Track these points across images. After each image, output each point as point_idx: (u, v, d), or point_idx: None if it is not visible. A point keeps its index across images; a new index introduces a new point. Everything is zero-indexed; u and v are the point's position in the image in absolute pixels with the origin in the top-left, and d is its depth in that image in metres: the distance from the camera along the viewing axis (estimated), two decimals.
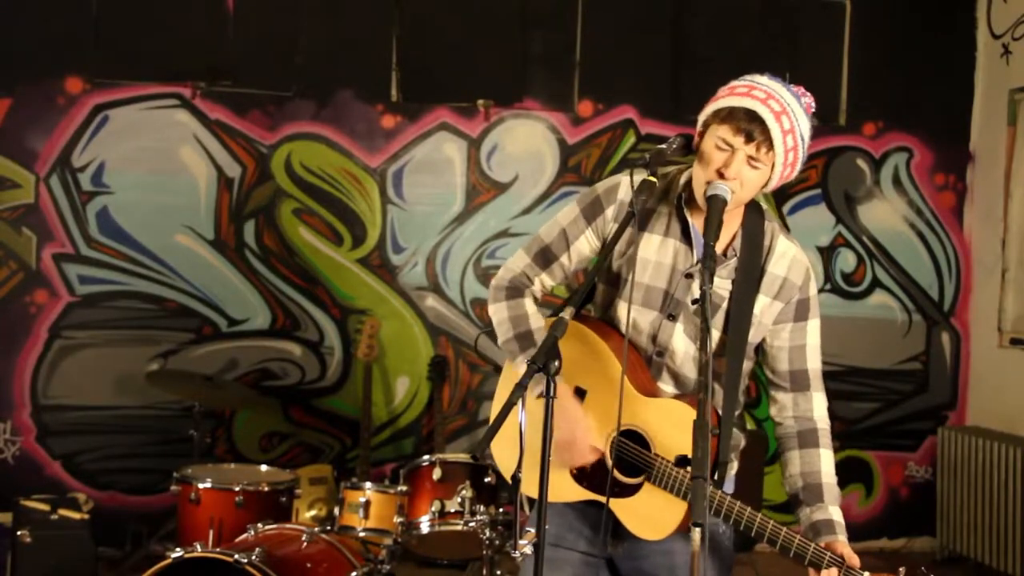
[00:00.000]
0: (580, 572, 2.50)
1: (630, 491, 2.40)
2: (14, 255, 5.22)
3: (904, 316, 6.00)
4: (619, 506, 2.41)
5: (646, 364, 2.47)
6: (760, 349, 2.51)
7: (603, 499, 2.39)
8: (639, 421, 2.40)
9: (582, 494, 2.45)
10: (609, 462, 2.41)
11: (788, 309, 2.45)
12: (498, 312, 2.54)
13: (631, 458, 2.40)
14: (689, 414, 2.29)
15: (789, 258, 2.44)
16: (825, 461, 2.45)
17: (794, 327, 2.46)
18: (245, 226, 5.40)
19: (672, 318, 2.42)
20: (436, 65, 5.55)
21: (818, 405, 2.49)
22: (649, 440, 2.39)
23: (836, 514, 2.39)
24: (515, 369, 2.50)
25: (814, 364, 2.49)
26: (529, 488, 2.32)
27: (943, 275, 6.03)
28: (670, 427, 2.36)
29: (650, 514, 2.38)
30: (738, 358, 2.40)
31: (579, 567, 2.50)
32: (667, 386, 2.47)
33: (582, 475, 2.45)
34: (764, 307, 2.43)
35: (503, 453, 2.61)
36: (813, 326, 2.49)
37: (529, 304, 2.54)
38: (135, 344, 5.31)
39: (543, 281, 2.56)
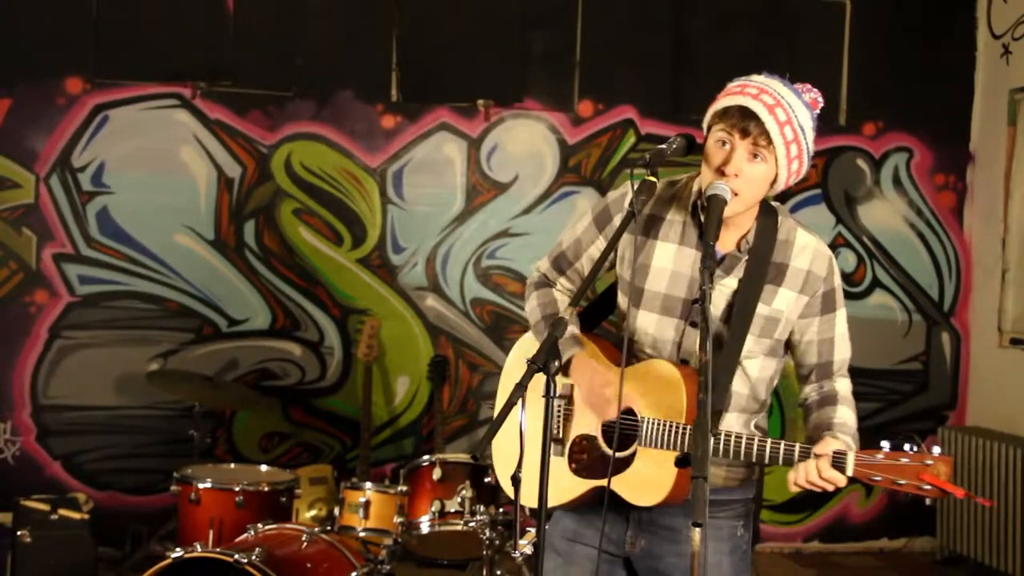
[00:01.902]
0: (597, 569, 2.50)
1: (627, 464, 2.37)
2: (14, 255, 5.22)
3: (904, 316, 5.99)
4: (618, 483, 2.37)
5: None
6: (788, 344, 2.50)
7: (606, 483, 2.37)
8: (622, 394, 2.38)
9: (585, 484, 2.42)
10: (602, 442, 2.41)
11: (814, 302, 2.46)
12: (530, 302, 2.64)
13: (622, 430, 2.37)
14: (661, 367, 2.35)
15: (811, 250, 2.45)
16: (841, 412, 2.40)
17: (822, 320, 2.47)
18: (245, 226, 5.40)
19: (695, 325, 2.41)
20: (436, 65, 5.54)
21: (843, 386, 2.48)
22: (635, 408, 2.37)
23: (841, 415, 2.37)
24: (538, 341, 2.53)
25: (841, 355, 2.50)
26: (527, 498, 2.31)
27: (943, 275, 6.02)
28: (649, 386, 2.35)
29: (645, 479, 2.34)
30: (736, 347, 2.38)
31: (596, 564, 2.50)
32: None
33: (581, 467, 2.44)
34: (791, 302, 2.43)
35: (501, 454, 2.62)
36: (840, 316, 2.50)
37: (557, 293, 2.63)
38: (135, 344, 5.31)
39: (563, 284, 2.63)
